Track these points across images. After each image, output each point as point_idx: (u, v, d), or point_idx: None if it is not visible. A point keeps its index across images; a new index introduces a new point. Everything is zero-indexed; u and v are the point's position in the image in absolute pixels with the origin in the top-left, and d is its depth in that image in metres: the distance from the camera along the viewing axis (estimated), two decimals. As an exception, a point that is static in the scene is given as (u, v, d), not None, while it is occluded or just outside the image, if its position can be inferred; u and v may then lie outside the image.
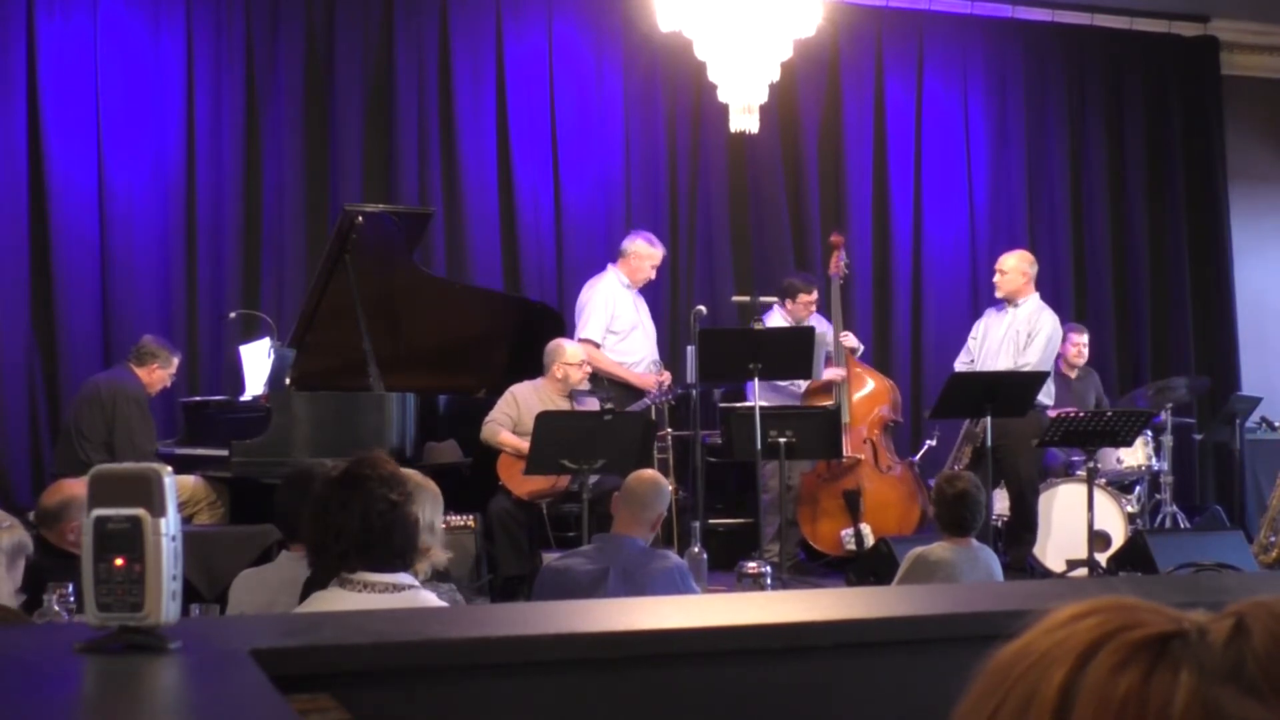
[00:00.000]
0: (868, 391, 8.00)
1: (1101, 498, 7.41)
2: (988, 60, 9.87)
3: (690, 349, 7.19)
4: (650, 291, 8.04)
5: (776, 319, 7.89)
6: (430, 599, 2.93)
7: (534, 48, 8.84)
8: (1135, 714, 0.71)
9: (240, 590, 3.96)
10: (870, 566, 6.90)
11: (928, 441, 8.22)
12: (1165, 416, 8.31)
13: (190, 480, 6.76)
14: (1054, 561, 7.49)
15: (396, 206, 7.72)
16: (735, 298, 8.16)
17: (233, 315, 7.82)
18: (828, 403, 7.74)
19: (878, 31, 9.61)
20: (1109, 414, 7.26)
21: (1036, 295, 7.83)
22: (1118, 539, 7.47)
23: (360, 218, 6.63)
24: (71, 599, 3.19)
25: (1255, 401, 9.27)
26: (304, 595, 3.09)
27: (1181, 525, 8.26)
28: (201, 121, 8.18)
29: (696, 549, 6.17)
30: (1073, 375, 8.46)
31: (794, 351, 7.03)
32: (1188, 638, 0.73)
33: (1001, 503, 7.58)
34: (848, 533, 7.65)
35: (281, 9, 8.38)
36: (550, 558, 5.28)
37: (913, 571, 4.94)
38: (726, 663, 2.19)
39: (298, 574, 3.39)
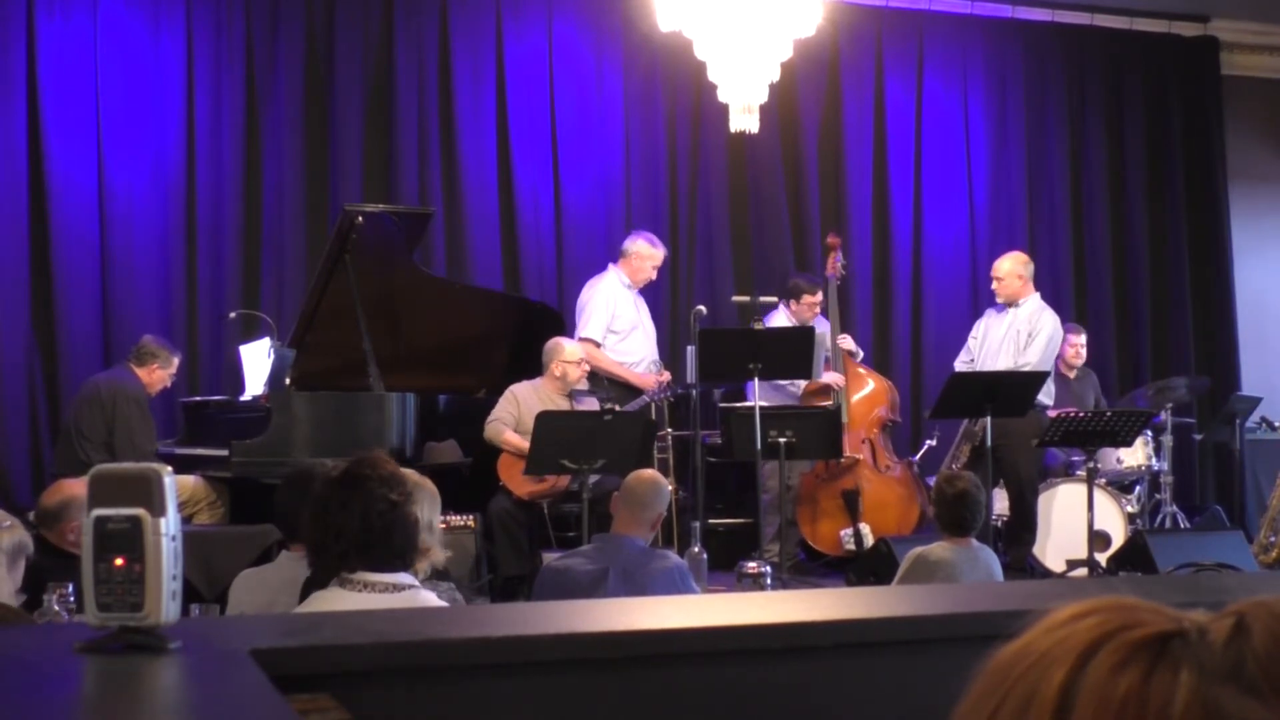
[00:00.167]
0: (866, 392, 8.00)
1: (1101, 498, 7.41)
2: (988, 60, 9.87)
3: (690, 349, 7.19)
4: (650, 291, 8.04)
5: (781, 319, 7.90)
6: (430, 599, 2.93)
7: (534, 48, 8.84)
8: (1135, 713, 0.71)
9: (240, 590, 3.96)
10: (870, 566, 6.90)
11: (927, 441, 8.22)
12: (1165, 416, 8.30)
13: (190, 480, 6.76)
14: (1054, 561, 7.49)
15: (396, 206, 7.72)
16: (735, 298, 8.16)
17: (233, 315, 7.82)
18: (826, 403, 7.74)
19: (878, 31, 9.61)
20: (1109, 414, 7.26)
21: (1037, 295, 7.83)
22: (1118, 539, 7.47)
23: (360, 218, 6.63)
24: (71, 599, 3.19)
25: (1255, 401, 9.27)
26: (304, 595, 3.09)
27: (1181, 525, 8.26)
28: (201, 121, 8.18)
29: (696, 549, 6.17)
30: (1071, 375, 8.46)
31: (794, 351, 7.03)
32: (1188, 637, 0.73)
33: (1001, 503, 7.58)
34: (847, 533, 7.65)
35: (281, 9, 8.38)
36: (550, 558, 5.28)
37: (913, 571, 4.94)
38: (726, 663, 2.18)
39: (298, 574, 3.39)
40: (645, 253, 7.77)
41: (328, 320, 6.78)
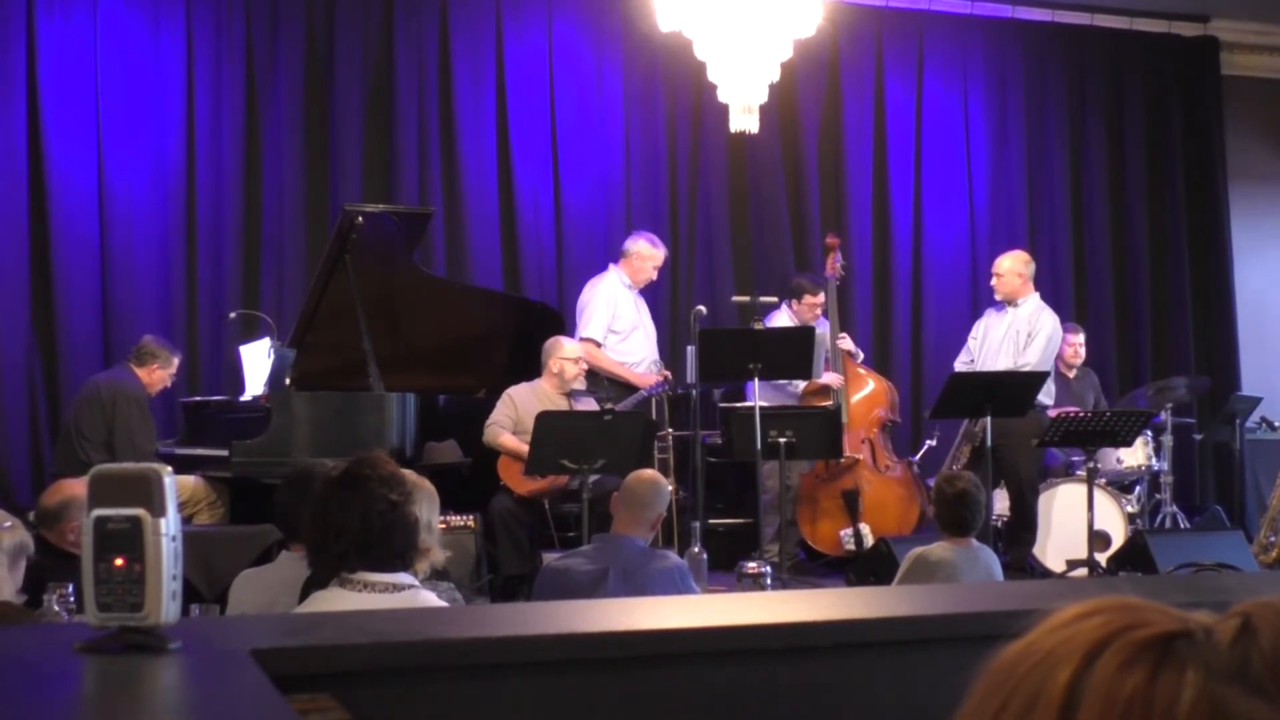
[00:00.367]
0: (866, 392, 8.00)
1: (1101, 498, 7.40)
2: (988, 60, 9.87)
3: (690, 349, 7.19)
4: (650, 291, 8.04)
5: (783, 319, 7.90)
6: (430, 599, 2.93)
7: (534, 48, 8.84)
8: (1141, 713, 0.70)
9: (240, 590, 3.96)
10: (870, 566, 6.90)
11: (927, 441, 8.22)
12: (1165, 416, 8.30)
13: (190, 480, 6.76)
14: (1054, 561, 7.49)
15: (396, 206, 7.72)
16: (735, 298, 8.16)
17: (233, 315, 7.82)
18: (826, 403, 7.74)
19: (878, 31, 9.61)
20: (1109, 414, 7.26)
21: (1036, 295, 7.83)
22: (1118, 539, 7.47)
23: (360, 218, 6.62)
24: (71, 599, 3.19)
25: (1255, 401, 9.27)
26: (304, 595, 3.09)
27: (1181, 525, 8.26)
28: (201, 121, 8.18)
29: (696, 549, 6.18)
30: (1071, 375, 8.46)
31: (794, 351, 7.02)
32: (1194, 637, 0.73)
33: (1001, 503, 7.58)
34: (847, 533, 7.65)
35: (281, 9, 8.39)
36: (550, 558, 5.28)
37: (913, 571, 4.94)
38: (726, 663, 2.18)
39: (298, 574, 3.39)
40: (646, 253, 7.77)
41: (328, 320, 6.78)
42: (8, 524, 3.61)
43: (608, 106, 8.98)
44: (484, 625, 2.34)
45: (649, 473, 4.93)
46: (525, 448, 6.49)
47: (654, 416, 7.30)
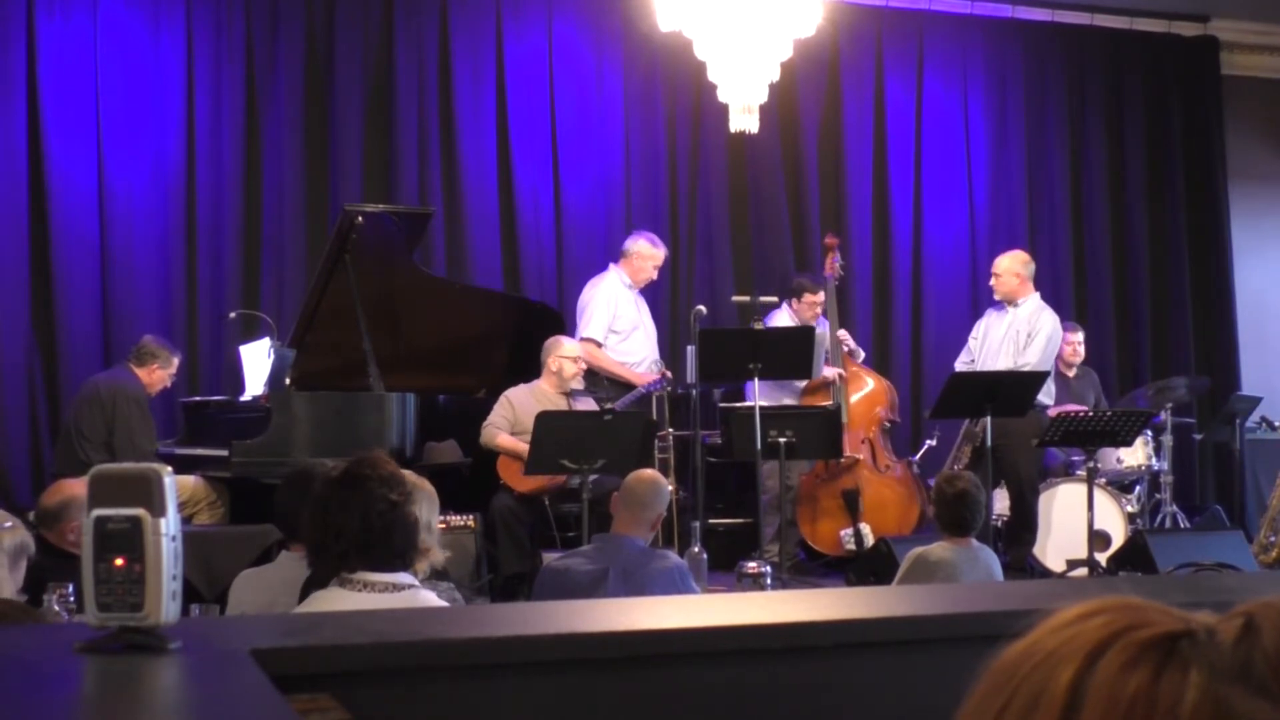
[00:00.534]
0: (865, 392, 8.00)
1: (1101, 498, 7.40)
2: (988, 60, 9.88)
3: (690, 349, 7.19)
4: (650, 291, 8.04)
5: (783, 318, 7.90)
6: (430, 598, 2.93)
7: (534, 48, 8.84)
8: (1144, 713, 0.70)
9: (240, 590, 3.96)
10: (870, 566, 6.90)
11: (927, 441, 8.22)
12: (1165, 416, 8.30)
13: (190, 480, 6.76)
14: (1054, 561, 7.49)
15: (396, 206, 7.72)
16: (735, 298, 8.15)
17: (233, 315, 7.82)
18: (826, 402, 7.74)
19: (878, 31, 9.61)
20: (1109, 414, 7.26)
21: (1037, 295, 7.83)
22: (1118, 539, 7.47)
23: (360, 218, 6.62)
24: (71, 599, 3.19)
25: (1255, 401, 9.27)
26: (304, 595, 3.08)
27: (1181, 525, 8.26)
28: (201, 121, 8.18)
29: (696, 549, 6.18)
30: (1071, 374, 8.47)
31: (794, 351, 7.03)
32: (1196, 637, 0.73)
33: (1001, 503, 7.58)
34: (847, 533, 7.65)
35: (281, 9, 8.39)
36: (550, 557, 5.28)
37: (913, 571, 4.94)
38: (726, 663, 2.18)
39: (298, 574, 3.39)
40: (646, 252, 7.77)
41: (328, 320, 6.78)
42: (8, 524, 3.61)
43: (608, 106, 8.98)
44: (484, 625, 2.34)
45: (649, 473, 4.93)
46: (523, 446, 6.49)
47: (654, 416, 7.30)
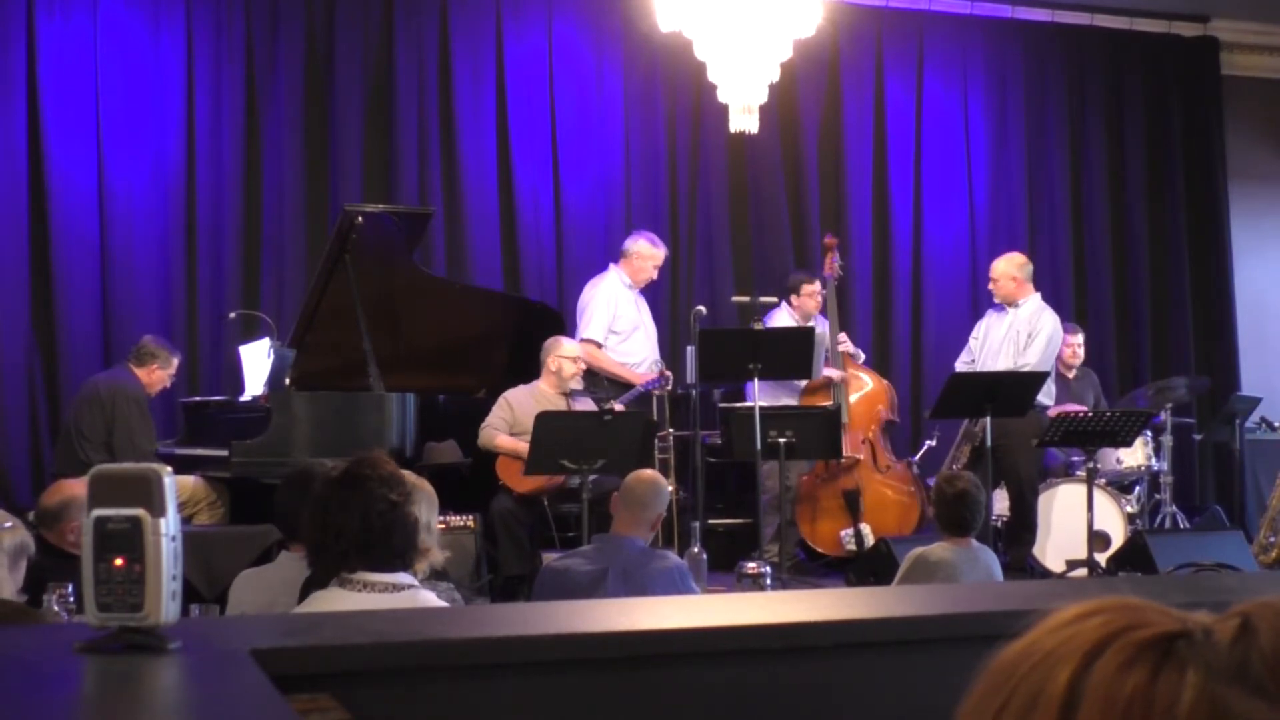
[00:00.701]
0: (865, 392, 8.00)
1: (1101, 498, 7.40)
2: (988, 60, 9.88)
3: (690, 349, 7.19)
4: (650, 291, 8.04)
5: (783, 318, 7.90)
6: (430, 598, 2.93)
7: (534, 48, 8.84)
8: (1141, 713, 0.70)
9: (240, 590, 3.95)
10: (870, 566, 6.90)
11: (927, 441, 8.22)
12: (1165, 416, 8.30)
13: (190, 480, 6.76)
14: (1054, 561, 7.49)
15: (396, 206, 7.72)
16: (735, 298, 8.15)
17: (233, 315, 7.82)
18: (826, 403, 7.74)
19: (878, 31, 9.61)
20: (1109, 414, 7.26)
21: (1037, 296, 7.83)
22: (1117, 539, 7.47)
23: (360, 218, 6.62)
24: (71, 599, 3.19)
25: (1255, 401, 9.27)
26: (304, 595, 3.08)
27: (1181, 525, 8.26)
28: (201, 121, 8.18)
29: (696, 549, 6.17)
30: (1070, 375, 8.47)
31: (794, 351, 7.03)
32: (1193, 637, 0.73)
33: (1001, 503, 7.58)
34: (847, 533, 7.65)
35: (281, 9, 8.38)
36: (550, 557, 5.28)
37: (913, 571, 4.94)
38: (726, 663, 2.18)
39: (298, 574, 3.39)
40: (646, 252, 7.78)
41: (328, 320, 6.78)
42: (8, 524, 3.61)
43: (608, 106, 8.98)
44: (484, 625, 2.34)
45: (649, 473, 4.93)
46: (522, 446, 6.49)
47: (654, 416, 7.30)
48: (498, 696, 2.06)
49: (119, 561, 1.77)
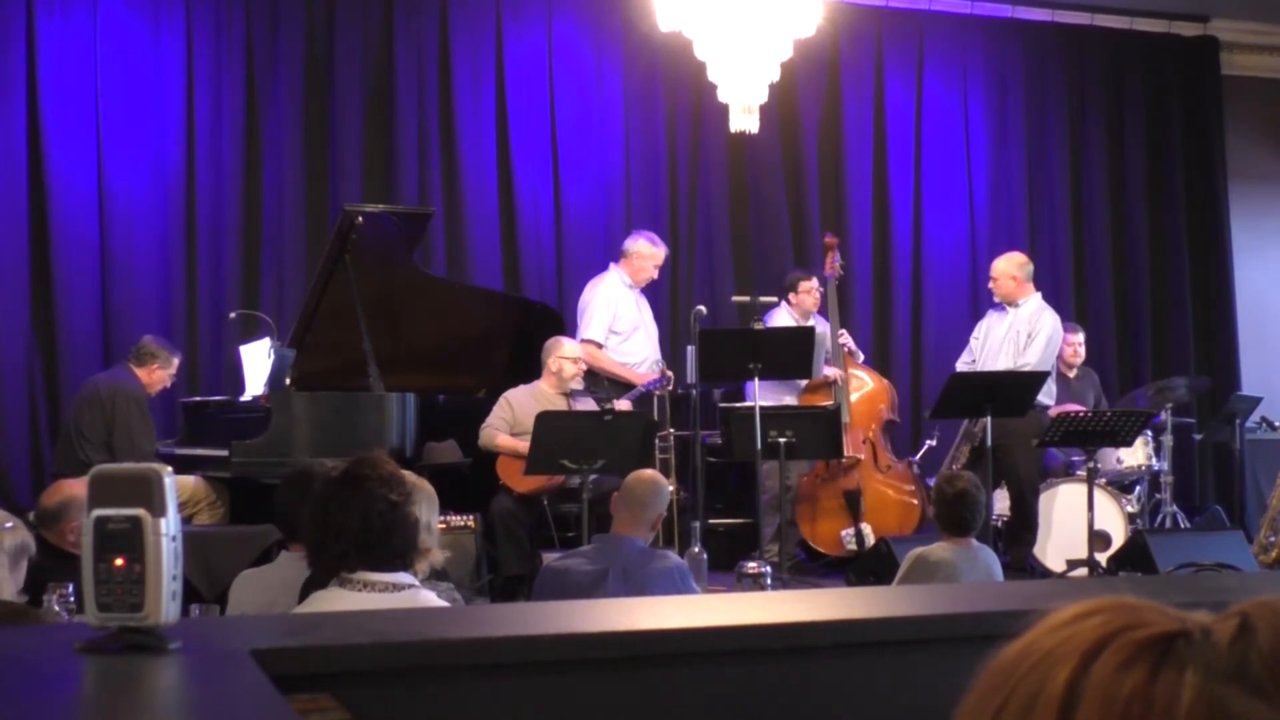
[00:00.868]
0: (866, 391, 8.00)
1: (1101, 498, 7.40)
2: (988, 60, 9.88)
3: (690, 349, 7.19)
4: (650, 291, 8.04)
5: (782, 317, 7.90)
6: (430, 598, 2.93)
7: (534, 48, 8.85)
8: (1140, 713, 0.70)
9: (240, 590, 3.95)
10: (870, 566, 6.90)
11: (928, 441, 8.22)
12: (1165, 416, 8.30)
13: (190, 480, 6.76)
14: (1054, 561, 7.49)
15: (396, 206, 7.72)
16: (735, 298, 8.16)
17: (233, 315, 7.82)
18: (827, 402, 7.74)
19: (878, 31, 9.61)
20: (1109, 414, 7.26)
21: (1038, 295, 7.83)
22: (1118, 539, 7.47)
23: (360, 218, 6.63)
24: (71, 599, 3.19)
25: (1255, 401, 9.27)
26: (304, 595, 3.08)
27: (1181, 525, 8.26)
28: (201, 121, 8.18)
29: (696, 549, 6.18)
30: (1071, 375, 8.47)
31: (794, 351, 7.03)
32: (1192, 637, 0.73)
33: (1001, 503, 7.58)
34: (848, 533, 7.65)
35: (281, 9, 8.39)
36: (550, 558, 5.28)
37: (913, 571, 4.94)
38: (726, 663, 2.18)
39: (298, 574, 3.39)
40: (646, 252, 7.77)
41: (328, 320, 6.78)
42: (9, 524, 3.61)
43: (608, 106, 8.98)
44: (484, 625, 2.34)
45: (649, 473, 4.93)
46: (522, 446, 6.49)
47: (654, 416, 7.30)
48: (498, 696, 2.06)
49: (119, 561, 1.77)
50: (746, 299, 7.74)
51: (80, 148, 7.92)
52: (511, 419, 6.87)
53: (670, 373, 7.60)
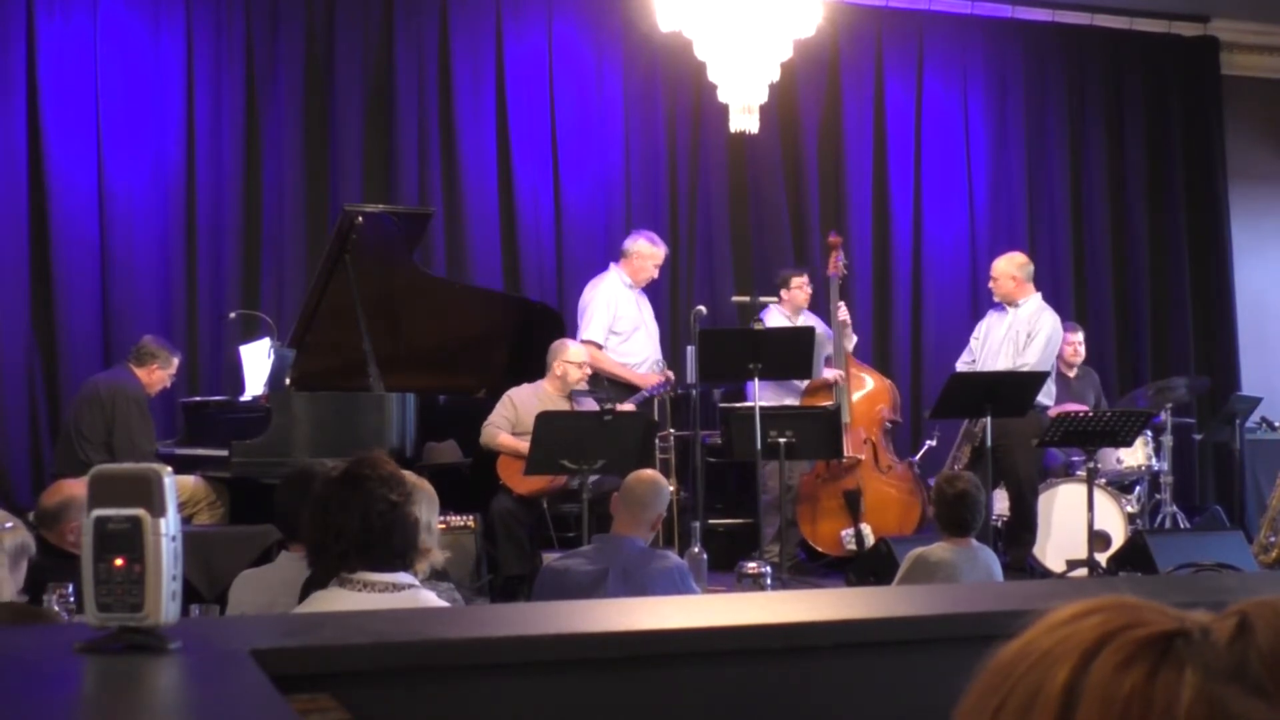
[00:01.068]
0: (867, 391, 8.00)
1: (1101, 498, 7.40)
2: (988, 60, 9.88)
3: (690, 349, 7.19)
4: (650, 291, 8.03)
5: (775, 317, 7.90)
6: (430, 598, 2.93)
7: (534, 48, 8.84)
8: (1140, 713, 0.70)
9: (240, 590, 3.95)
10: (870, 566, 6.90)
11: (928, 441, 8.22)
12: (1165, 416, 8.30)
13: (190, 480, 6.76)
14: (1054, 561, 7.49)
15: (396, 206, 7.72)
16: (735, 298, 8.16)
17: (233, 315, 7.82)
18: (827, 402, 7.74)
19: (878, 31, 9.61)
20: (1109, 414, 7.26)
21: (1038, 296, 7.83)
22: (1118, 539, 7.47)
23: (360, 218, 6.63)
24: (71, 599, 3.19)
25: (1255, 401, 9.27)
26: (304, 595, 3.08)
27: (1181, 525, 8.26)
28: (201, 121, 8.18)
29: (696, 549, 6.18)
30: (1071, 374, 8.47)
31: (794, 351, 7.03)
32: (1191, 637, 0.73)
33: (1001, 503, 7.58)
34: (848, 533, 7.65)
35: (281, 9, 8.39)
36: (550, 558, 5.28)
37: (913, 571, 4.94)
38: (726, 663, 2.18)
39: (298, 574, 3.39)
40: (646, 252, 7.77)
41: (328, 320, 6.78)
42: (9, 524, 3.60)
43: (608, 106, 8.98)
44: (484, 625, 2.34)
45: (649, 473, 4.93)
46: (523, 445, 6.49)
47: (654, 416, 7.30)
48: (498, 696, 2.06)
49: (119, 561, 1.77)
50: (746, 299, 7.74)
51: (80, 148, 7.92)
52: (514, 418, 6.87)
53: (671, 374, 7.61)
